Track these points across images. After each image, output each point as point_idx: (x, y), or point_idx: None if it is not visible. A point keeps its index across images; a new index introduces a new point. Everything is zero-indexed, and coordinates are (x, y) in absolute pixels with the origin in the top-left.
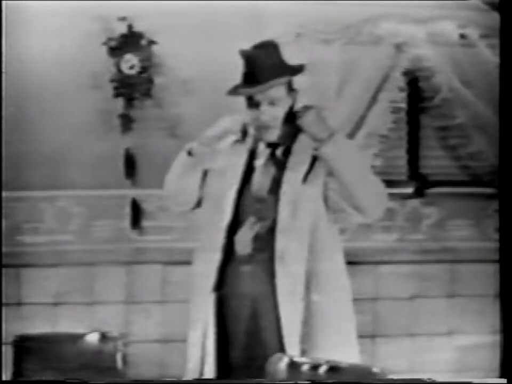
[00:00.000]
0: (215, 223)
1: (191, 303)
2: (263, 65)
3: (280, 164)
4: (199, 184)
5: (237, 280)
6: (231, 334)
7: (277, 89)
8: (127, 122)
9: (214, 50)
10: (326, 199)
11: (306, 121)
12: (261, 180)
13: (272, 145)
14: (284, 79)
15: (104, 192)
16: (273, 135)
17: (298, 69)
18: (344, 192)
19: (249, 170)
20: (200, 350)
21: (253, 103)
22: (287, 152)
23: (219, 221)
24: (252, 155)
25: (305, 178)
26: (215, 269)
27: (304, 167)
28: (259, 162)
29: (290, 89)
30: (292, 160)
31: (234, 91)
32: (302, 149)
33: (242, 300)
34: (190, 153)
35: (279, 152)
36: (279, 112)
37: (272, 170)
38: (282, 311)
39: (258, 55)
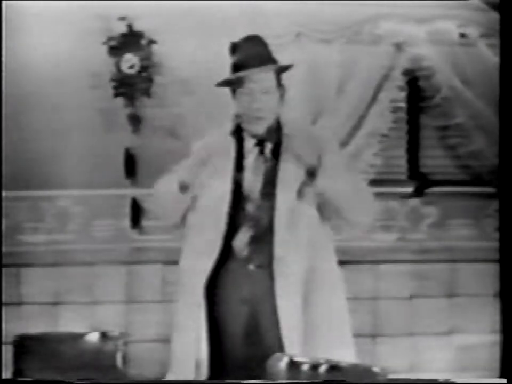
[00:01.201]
0: (209, 225)
1: (181, 304)
2: (253, 53)
3: (270, 164)
4: (189, 205)
5: (235, 282)
6: (229, 335)
7: (269, 78)
8: (136, 122)
9: (214, 50)
10: (319, 207)
11: (293, 143)
12: (251, 181)
13: (260, 143)
14: (275, 66)
15: (104, 191)
16: (265, 126)
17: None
18: (337, 211)
19: (238, 170)
20: (194, 352)
21: (245, 92)
22: (276, 151)
23: (213, 223)
24: (240, 153)
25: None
26: (209, 270)
27: (297, 173)
28: (248, 161)
29: (279, 83)
30: (283, 161)
31: (224, 82)
32: (291, 150)
33: (240, 301)
34: (182, 188)
35: (267, 150)
36: (273, 101)
37: (262, 169)
38: (281, 312)
39: (247, 45)
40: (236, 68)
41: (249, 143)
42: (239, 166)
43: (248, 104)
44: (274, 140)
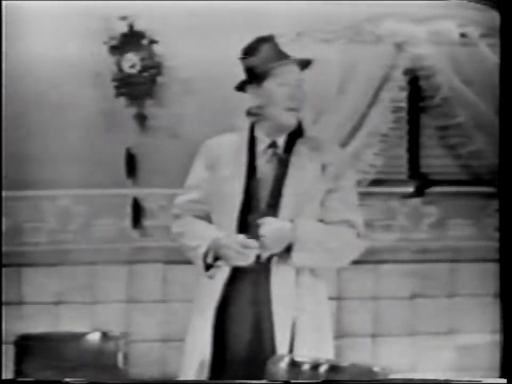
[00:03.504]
0: (220, 226)
1: (196, 304)
2: (276, 49)
3: (281, 166)
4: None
5: (243, 281)
6: (235, 336)
7: (298, 71)
8: (142, 121)
9: (215, 50)
10: (323, 203)
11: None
12: (262, 182)
13: (273, 145)
14: (304, 59)
15: (105, 191)
16: (296, 117)
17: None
18: None
19: (250, 171)
20: (200, 354)
21: (279, 83)
22: (289, 149)
23: (224, 225)
24: (252, 155)
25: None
26: (227, 272)
27: (306, 178)
28: (261, 161)
29: None
30: (294, 166)
31: (251, 76)
32: (303, 155)
33: (247, 301)
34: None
35: (280, 151)
36: (303, 94)
37: (273, 171)
38: (275, 314)
39: (266, 43)
40: (258, 66)
41: (262, 145)
42: (251, 168)
43: (285, 94)
44: (294, 135)
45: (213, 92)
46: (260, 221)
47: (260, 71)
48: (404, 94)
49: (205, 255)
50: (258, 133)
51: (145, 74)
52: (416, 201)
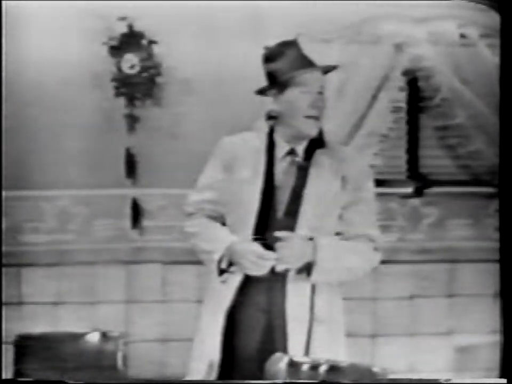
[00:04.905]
0: (235, 231)
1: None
2: (300, 55)
3: (300, 175)
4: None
5: (256, 292)
6: (243, 342)
7: (322, 78)
8: (132, 122)
9: (215, 50)
10: (341, 216)
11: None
12: (280, 189)
13: (292, 152)
14: (327, 66)
15: (105, 191)
16: (318, 126)
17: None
18: None
19: (269, 176)
20: (208, 357)
21: (302, 91)
22: (308, 157)
23: (240, 230)
24: (270, 160)
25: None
26: (240, 276)
27: (326, 191)
28: (279, 168)
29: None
30: (314, 177)
31: (275, 83)
32: (323, 166)
33: (259, 307)
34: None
35: (299, 159)
36: (324, 101)
37: (292, 179)
38: (289, 323)
39: (290, 48)
40: (281, 72)
41: (281, 151)
42: (269, 174)
43: (307, 102)
44: (314, 142)
45: (212, 92)
46: (279, 234)
47: (283, 78)
48: (403, 95)
49: (220, 261)
50: (278, 138)
51: (145, 74)
52: (415, 201)
